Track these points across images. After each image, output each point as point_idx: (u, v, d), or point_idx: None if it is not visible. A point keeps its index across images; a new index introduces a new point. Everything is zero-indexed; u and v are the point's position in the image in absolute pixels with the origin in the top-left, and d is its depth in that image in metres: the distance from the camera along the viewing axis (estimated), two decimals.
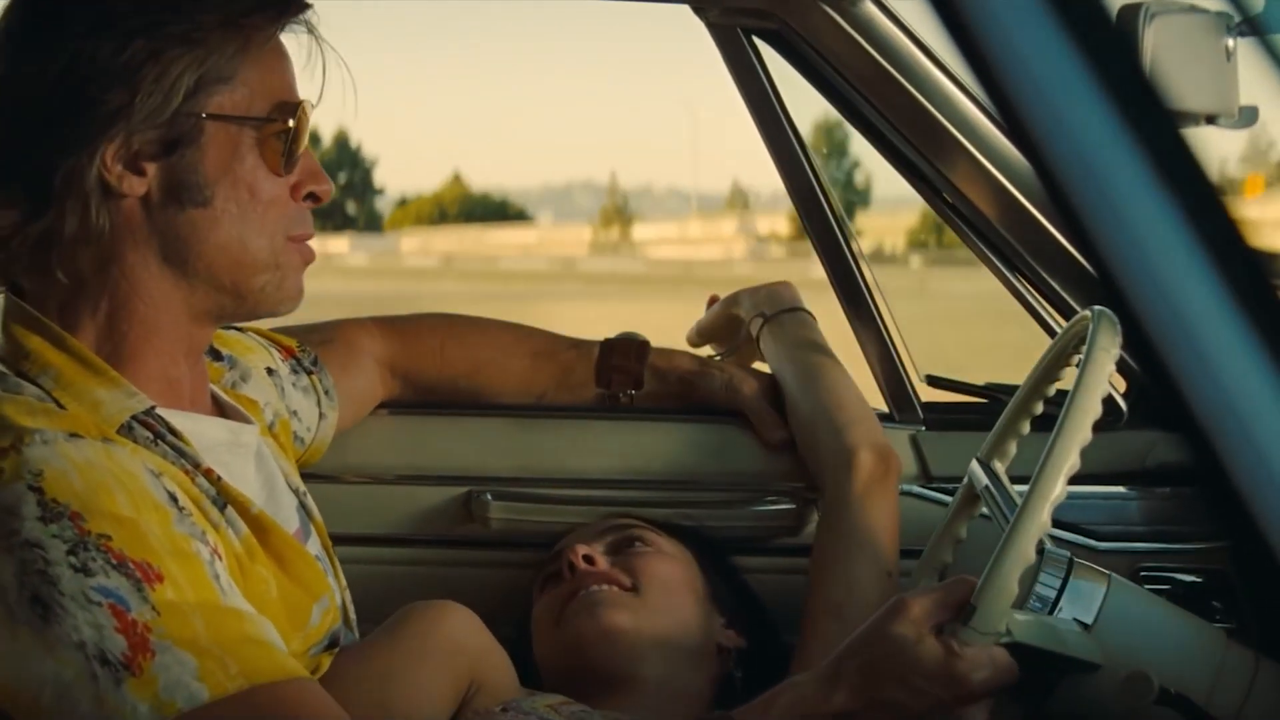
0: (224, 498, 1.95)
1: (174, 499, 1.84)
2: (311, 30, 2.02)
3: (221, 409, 2.14)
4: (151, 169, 1.91)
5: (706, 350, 2.91)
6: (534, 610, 2.52)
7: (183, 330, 1.99)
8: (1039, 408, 2.30)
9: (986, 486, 2.25)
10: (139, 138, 1.88)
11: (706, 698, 2.44)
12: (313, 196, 2.03)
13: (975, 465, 2.33)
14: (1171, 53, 1.90)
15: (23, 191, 1.89)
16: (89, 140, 1.87)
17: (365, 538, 2.69)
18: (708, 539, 2.66)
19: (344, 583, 2.22)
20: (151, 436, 1.91)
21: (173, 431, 1.94)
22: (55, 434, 1.79)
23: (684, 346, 2.89)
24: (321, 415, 2.49)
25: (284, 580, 1.99)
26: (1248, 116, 2.00)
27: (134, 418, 1.90)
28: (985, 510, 2.32)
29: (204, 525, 1.87)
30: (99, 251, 1.93)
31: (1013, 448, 2.33)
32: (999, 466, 2.31)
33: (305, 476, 2.30)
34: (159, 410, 1.94)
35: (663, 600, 2.45)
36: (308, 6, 2.01)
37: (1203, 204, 1.17)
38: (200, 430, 2.01)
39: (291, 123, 1.97)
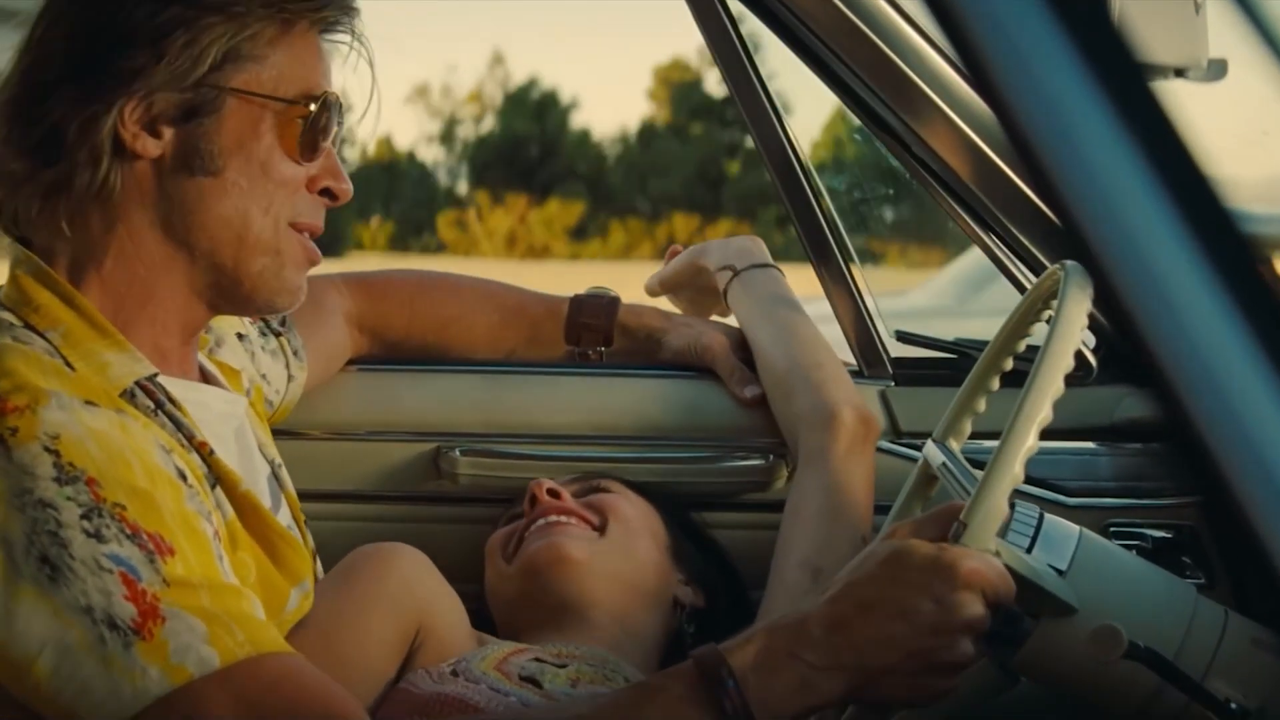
0: (215, 475, 1.95)
1: (183, 476, 1.85)
2: (356, 37, 2.05)
3: (207, 379, 2.14)
4: (168, 133, 1.93)
5: (665, 300, 2.91)
6: (488, 541, 2.53)
7: (180, 302, 2.00)
8: (996, 382, 2.29)
9: (944, 464, 2.24)
10: (160, 100, 1.91)
11: (658, 644, 2.45)
12: (329, 193, 2.05)
13: (931, 445, 2.31)
14: (1140, 5, 1.89)
15: (40, 139, 1.90)
16: (108, 95, 1.89)
17: (333, 494, 2.69)
18: (675, 501, 2.66)
19: (313, 547, 2.22)
20: (152, 405, 1.92)
21: (172, 401, 1.94)
22: (72, 399, 1.79)
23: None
24: (290, 377, 2.49)
25: (265, 564, 2.00)
26: (1216, 70, 2.00)
27: (137, 384, 1.91)
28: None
29: (209, 505, 1.88)
30: (107, 210, 1.94)
31: (968, 426, 2.31)
32: (954, 445, 2.30)
33: (274, 433, 2.31)
34: (161, 378, 1.94)
35: (623, 538, 2.47)
36: (354, 10, 2.04)
37: (1171, 157, 1.16)
38: (201, 399, 2.02)
39: (313, 108, 1.99)
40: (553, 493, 2.51)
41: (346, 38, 2.04)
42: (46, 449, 1.73)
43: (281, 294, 2.04)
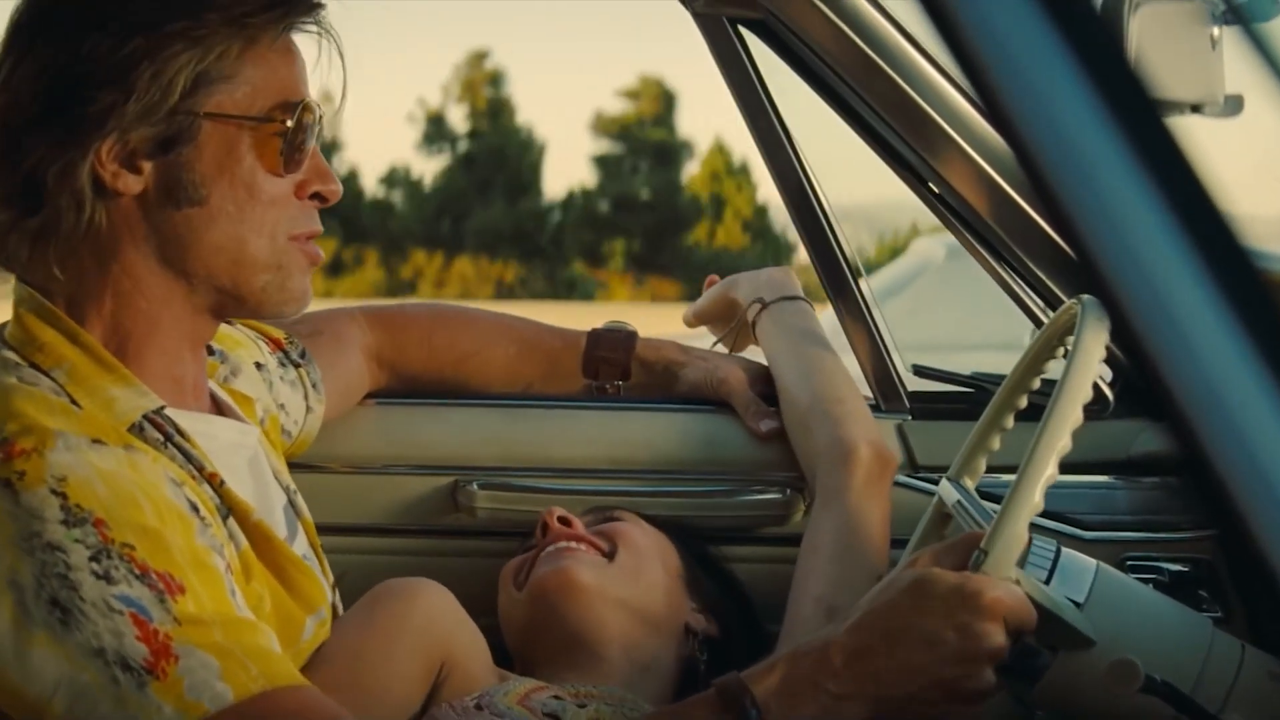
0: (227, 506, 1.94)
1: (195, 509, 1.84)
2: (323, 30, 2.01)
3: (220, 407, 2.13)
4: (148, 167, 1.90)
5: (702, 331, 2.92)
6: (502, 570, 2.54)
7: (185, 326, 1.99)
8: (1011, 420, 2.30)
9: (958, 502, 2.24)
10: (135, 136, 1.88)
11: (671, 672, 2.45)
12: (319, 196, 2.03)
13: (945, 484, 2.32)
14: (1156, 41, 1.90)
15: (18, 188, 1.88)
16: (82, 138, 1.86)
17: (351, 527, 2.69)
18: (690, 532, 2.66)
19: (332, 579, 2.22)
20: (161, 439, 1.90)
21: (181, 433, 1.93)
22: (79, 439, 1.78)
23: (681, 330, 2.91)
24: (309, 409, 2.49)
25: (280, 594, 1.99)
26: (1232, 105, 2.00)
27: (145, 417, 1.90)
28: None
29: (221, 538, 1.87)
30: (98, 249, 1.92)
31: (982, 464, 2.32)
32: (969, 483, 2.31)
33: (291, 466, 2.30)
34: (168, 410, 1.93)
35: (633, 564, 2.47)
36: (319, 6, 2.00)
37: (1187, 193, 1.17)
38: (210, 431, 2.01)
39: (290, 122, 1.96)
40: (564, 520, 2.51)
41: (314, 30, 2.01)
42: (54, 491, 1.73)
43: (288, 303, 2.03)
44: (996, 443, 2.31)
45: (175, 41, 1.87)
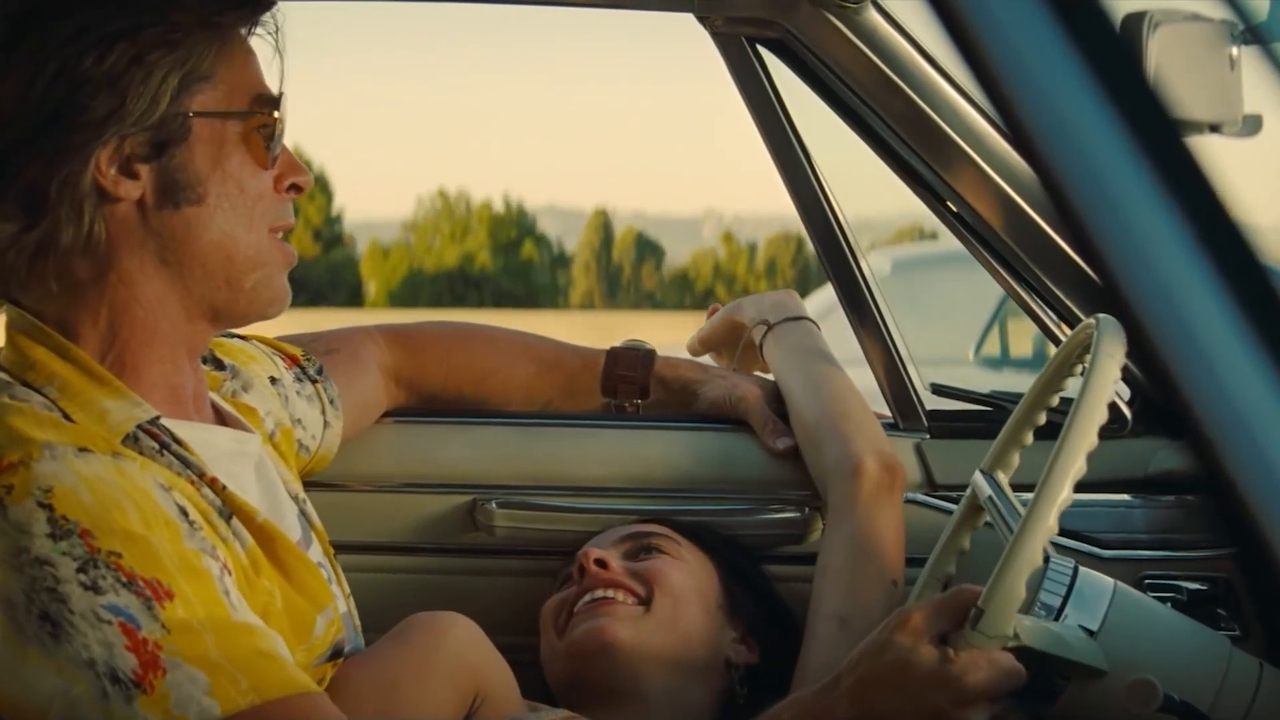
0: (229, 508, 1.95)
1: (184, 513, 1.84)
2: (277, 30, 2.05)
3: (222, 417, 2.14)
4: (144, 171, 1.92)
5: (707, 358, 2.92)
6: (542, 608, 2.53)
7: (181, 333, 2.00)
8: (1043, 416, 2.30)
9: (990, 497, 2.25)
10: (130, 141, 1.90)
11: (711, 710, 2.44)
12: (294, 187, 2.06)
13: (978, 476, 2.32)
14: (1175, 61, 1.90)
15: (18, 203, 1.89)
16: (82, 147, 1.88)
17: (370, 546, 2.69)
18: (738, 548, 2.65)
19: (347, 590, 2.22)
20: (157, 447, 1.91)
21: (178, 441, 1.94)
22: (65, 449, 1.79)
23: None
24: (326, 424, 2.49)
25: (289, 591, 1.99)
26: (1251, 125, 2.00)
27: (140, 427, 1.90)
28: (988, 521, 2.31)
29: (214, 540, 1.87)
30: (96, 259, 1.93)
31: (1016, 458, 2.33)
32: (1002, 477, 2.31)
33: (310, 485, 2.31)
34: (164, 420, 1.94)
35: (670, 612, 2.44)
36: (272, 3, 2.04)
37: (1207, 212, 1.17)
38: (207, 440, 2.01)
39: (276, 114, 2.00)
40: (600, 562, 2.48)
41: (271, 30, 2.04)
42: (40, 504, 1.74)
43: (274, 302, 2.05)
44: (1029, 438, 2.32)
45: (156, 47, 1.90)
